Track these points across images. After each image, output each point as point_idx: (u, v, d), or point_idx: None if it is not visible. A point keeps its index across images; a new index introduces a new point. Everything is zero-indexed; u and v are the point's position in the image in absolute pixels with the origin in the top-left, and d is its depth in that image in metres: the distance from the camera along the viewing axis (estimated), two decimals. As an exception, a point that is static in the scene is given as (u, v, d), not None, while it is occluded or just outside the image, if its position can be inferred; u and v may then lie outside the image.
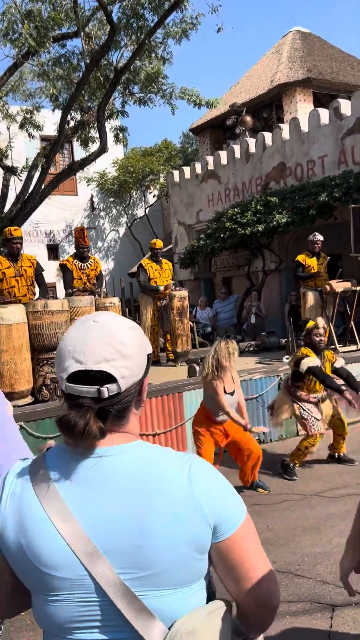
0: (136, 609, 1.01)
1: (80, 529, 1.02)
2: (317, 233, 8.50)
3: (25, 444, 1.82)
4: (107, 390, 1.05)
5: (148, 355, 1.16)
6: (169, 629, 1.02)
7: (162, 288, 8.38)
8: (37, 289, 6.83)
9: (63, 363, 1.07)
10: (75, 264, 7.57)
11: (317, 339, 5.38)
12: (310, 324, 5.50)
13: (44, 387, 5.90)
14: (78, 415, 1.03)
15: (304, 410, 5.43)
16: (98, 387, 1.04)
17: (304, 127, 11.35)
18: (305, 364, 5.23)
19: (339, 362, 5.54)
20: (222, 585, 1.16)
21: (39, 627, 1.08)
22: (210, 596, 1.14)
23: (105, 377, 1.05)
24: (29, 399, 5.86)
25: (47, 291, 7.03)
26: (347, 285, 8.30)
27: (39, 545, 1.03)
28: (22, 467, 1.12)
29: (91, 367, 1.05)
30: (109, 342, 1.07)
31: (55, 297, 6.82)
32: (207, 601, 1.13)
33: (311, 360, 5.24)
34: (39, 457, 1.13)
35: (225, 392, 4.72)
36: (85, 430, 1.02)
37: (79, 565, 1.01)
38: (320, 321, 5.50)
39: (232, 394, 4.79)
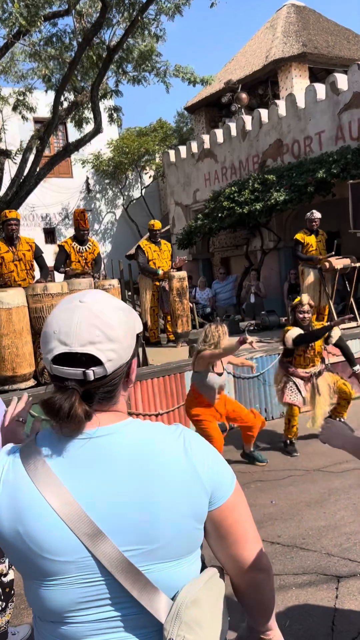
0: (141, 585, 1.01)
1: (81, 510, 1.00)
2: (314, 211, 8.45)
3: None
4: (93, 373, 1.03)
5: (137, 335, 1.14)
6: (172, 599, 1.04)
7: (161, 272, 8.35)
8: (37, 274, 6.80)
9: (48, 345, 1.05)
10: (73, 247, 7.51)
11: (301, 316, 5.39)
12: (297, 300, 5.53)
13: (45, 370, 5.90)
14: (63, 398, 1.01)
15: (289, 382, 5.49)
16: (83, 369, 1.02)
17: (300, 103, 11.23)
18: (288, 338, 5.31)
19: (335, 334, 5.51)
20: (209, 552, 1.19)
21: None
22: (203, 564, 1.16)
23: (92, 360, 1.03)
24: (32, 382, 5.88)
25: (49, 273, 7.00)
26: (346, 262, 8.27)
27: (38, 532, 1.00)
28: (12, 454, 1.09)
29: (76, 349, 1.02)
30: (94, 324, 1.04)
31: (54, 280, 6.79)
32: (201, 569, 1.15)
33: (292, 332, 5.30)
34: (28, 441, 1.10)
35: (213, 371, 4.78)
36: (70, 413, 1.00)
37: (81, 548, 1.00)
38: (305, 298, 5.49)
39: (220, 374, 4.83)
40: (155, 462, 1.04)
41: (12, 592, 2.00)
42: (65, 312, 1.06)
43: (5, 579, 1.93)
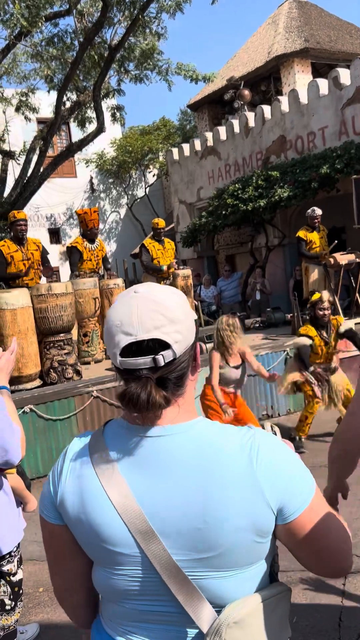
0: (187, 591, 1.01)
1: (137, 507, 1.02)
2: (315, 208, 8.41)
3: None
4: (163, 357, 1.02)
5: (195, 320, 1.13)
6: (219, 613, 1.01)
7: (165, 267, 8.36)
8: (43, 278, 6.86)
9: (113, 339, 1.04)
10: (85, 246, 7.56)
11: (321, 312, 5.35)
12: (316, 296, 5.47)
13: (51, 370, 5.93)
14: (139, 387, 1.01)
15: (308, 378, 5.45)
16: (153, 356, 1.02)
17: (303, 98, 11.19)
18: (296, 342, 5.38)
19: (344, 326, 5.48)
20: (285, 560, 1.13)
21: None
22: (273, 576, 1.12)
23: (159, 345, 1.03)
24: (38, 382, 5.90)
25: (53, 272, 7.07)
26: (351, 257, 8.24)
27: (98, 521, 1.04)
28: (81, 443, 1.12)
29: (142, 337, 1.02)
30: (155, 310, 1.04)
31: (59, 280, 6.82)
32: (270, 580, 1.11)
33: (302, 340, 5.36)
34: (97, 432, 1.12)
35: (229, 365, 4.80)
36: (149, 401, 1.00)
37: (133, 543, 1.02)
38: (325, 294, 5.46)
39: (237, 367, 4.83)
40: (215, 469, 1.01)
41: (21, 591, 2.01)
42: (123, 304, 1.06)
43: (14, 579, 1.94)
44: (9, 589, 1.92)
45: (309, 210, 8.41)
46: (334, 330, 5.46)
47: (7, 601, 1.91)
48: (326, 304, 5.36)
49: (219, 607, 1.03)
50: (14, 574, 1.94)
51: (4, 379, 2.04)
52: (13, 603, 1.94)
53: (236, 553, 1.01)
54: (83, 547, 1.11)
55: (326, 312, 5.36)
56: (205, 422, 1.08)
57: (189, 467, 1.02)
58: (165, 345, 1.03)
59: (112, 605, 1.12)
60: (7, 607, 1.92)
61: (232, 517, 0.99)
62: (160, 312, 1.04)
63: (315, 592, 3.05)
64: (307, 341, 5.33)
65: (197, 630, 1.04)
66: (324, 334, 5.38)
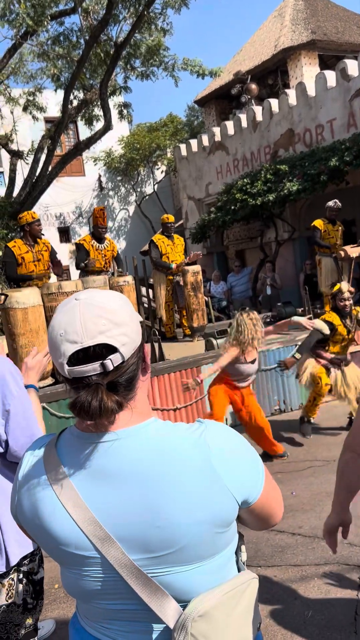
0: (151, 590, 1.01)
1: (92, 515, 1.02)
2: (336, 200, 8.34)
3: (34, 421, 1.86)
4: (111, 361, 1.01)
5: (140, 321, 1.13)
6: (184, 608, 1.02)
7: (174, 266, 8.35)
8: (53, 276, 6.91)
9: (59, 349, 1.03)
10: (92, 245, 7.56)
11: (342, 303, 5.36)
12: (336, 287, 5.47)
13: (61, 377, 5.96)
14: (89, 394, 0.99)
15: (321, 364, 5.45)
16: (101, 361, 1.01)
17: (311, 91, 11.11)
18: (315, 325, 5.28)
19: None
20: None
21: (73, 600, 1.13)
22: (239, 566, 1.14)
23: (106, 350, 1.02)
24: (50, 380, 5.92)
25: (63, 271, 7.13)
26: (361, 250, 8.18)
27: (53, 527, 1.05)
28: (37, 449, 1.13)
29: (88, 343, 1.00)
30: (98, 315, 1.02)
31: (69, 279, 6.86)
32: (239, 570, 1.13)
33: (321, 325, 5.29)
34: (50, 444, 1.12)
35: (246, 361, 4.77)
36: (101, 407, 0.99)
37: (92, 547, 1.03)
38: (345, 285, 5.47)
39: (253, 362, 4.82)
40: (170, 468, 1.02)
41: (42, 590, 2.03)
42: (65, 313, 1.05)
43: (36, 577, 1.95)
44: (31, 588, 1.94)
45: (331, 203, 8.34)
46: (355, 320, 5.47)
47: (29, 600, 1.93)
48: (347, 294, 5.37)
49: (185, 602, 1.03)
50: (36, 573, 1.95)
51: (34, 378, 2.07)
52: (35, 602, 1.95)
53: (196, 547, 1.02)
54: (44, 549, 1.12)
55: (347, 302, 5.37)
56: (158, 423, 1.09)
57: (144, 468, 1.02)
58: (112, 349, 1.02)
59: (84, 605, 1.14)
60: (29, 606, 1.94)
61: (191, 513, 1.00)
62: (104, 316, 1.03)
63: (330, 586, 3.04)
64: (326, 329, 5.31)
65: (164, 625, 1.04)
66: (348, 323, 5.39)
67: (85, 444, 1.06)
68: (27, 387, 2.03)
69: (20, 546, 1.87)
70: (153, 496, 1.01)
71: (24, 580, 1.91)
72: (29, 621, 1.94)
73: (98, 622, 1.12)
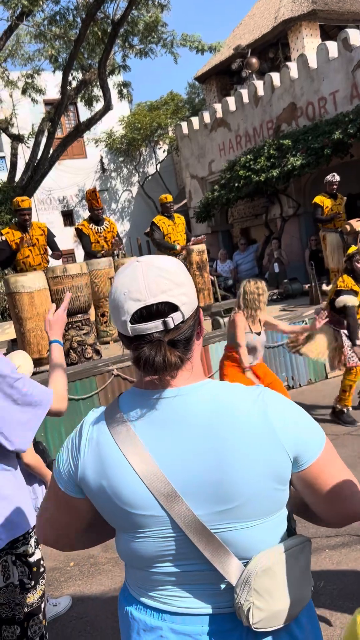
0: (214, 547, 1.04)
1: (158, 470, 1.04)
2: (335, 174, 8.26)
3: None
4: (172, 319, 1.05)
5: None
6: (246, 565, 1.05)
7: (178, 247, 8.30)
8: (51, 260, 6.88)
9: (123, 307, 1.06)
10: (91, 229, 7.50)
11: (358, 264, 5.16)
12: (352, 249, 5.31)
13: (71, 351, 5.98)
14: (153, 350, 1.03)
15: (341, 341, 5.19)
16: (163, 319, 1.05)
17: (313, 63, 10.92)
18: (343, 301, 5.05)
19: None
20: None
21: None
22: (291, 530, 1.16)
23: (168, 308, 1.05)
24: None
25: (61, 254, 7.07)
26: (367, 223, 8.10)
27: (120, 487, 1.06)
28: (97, 414, 1.14)
29: (151, 301, 1.04)
30: (160, 275, 1.06)
31: (75, 261, 6.86)
32: (289, 535, 1.14)
33: (350, 300, 5.06)
34: (113, 402, 1.15)
35: (251, 331, 4.64)
36: (165, 361, 1.02)
37: (157, 505, 1.05)
38: None
39: (259, 334, 4.72)
40: (230, 423, 1.04)
41: (42, 569, 2.06)
42: (128, 274, 1.08)
43: (31, 559, 1.99)
44: (27, 569, 1.98)
45: (329, 176, 8.25)
46: None
47: (26, 580, 1.98)
48: None
49: (245, 560, 1.07)
50: (31, 555, 1.99)
51: (58, 333, 2.12)
52: (33, 582, 1.99)
53: (258, 502, 1.05)
54: (106, 516, 1.13)
55: None
56: (215, 382, 1.12)
57: (205, 423, 1.05)
58: (173, 308, 1.06)
59: (138, 572, 1.14)
60: (28, 586, 1.99)
61: (252, 465, 1.03)
62: (165, 276, 1.07)
63: (342, 556, 3.08)
64: (355, 300, 5.03)
65: (225, 584, 1.07)
66: None
67: (149, 399, 1.08)
68: (51, 342, 2.08)
69: (7, 530, 1.90)
70: (216, 447, 1.03)
71: (18, 562, 1.97)
72: (30, 600, 1.99)
73: (154, 590, 1.13)
